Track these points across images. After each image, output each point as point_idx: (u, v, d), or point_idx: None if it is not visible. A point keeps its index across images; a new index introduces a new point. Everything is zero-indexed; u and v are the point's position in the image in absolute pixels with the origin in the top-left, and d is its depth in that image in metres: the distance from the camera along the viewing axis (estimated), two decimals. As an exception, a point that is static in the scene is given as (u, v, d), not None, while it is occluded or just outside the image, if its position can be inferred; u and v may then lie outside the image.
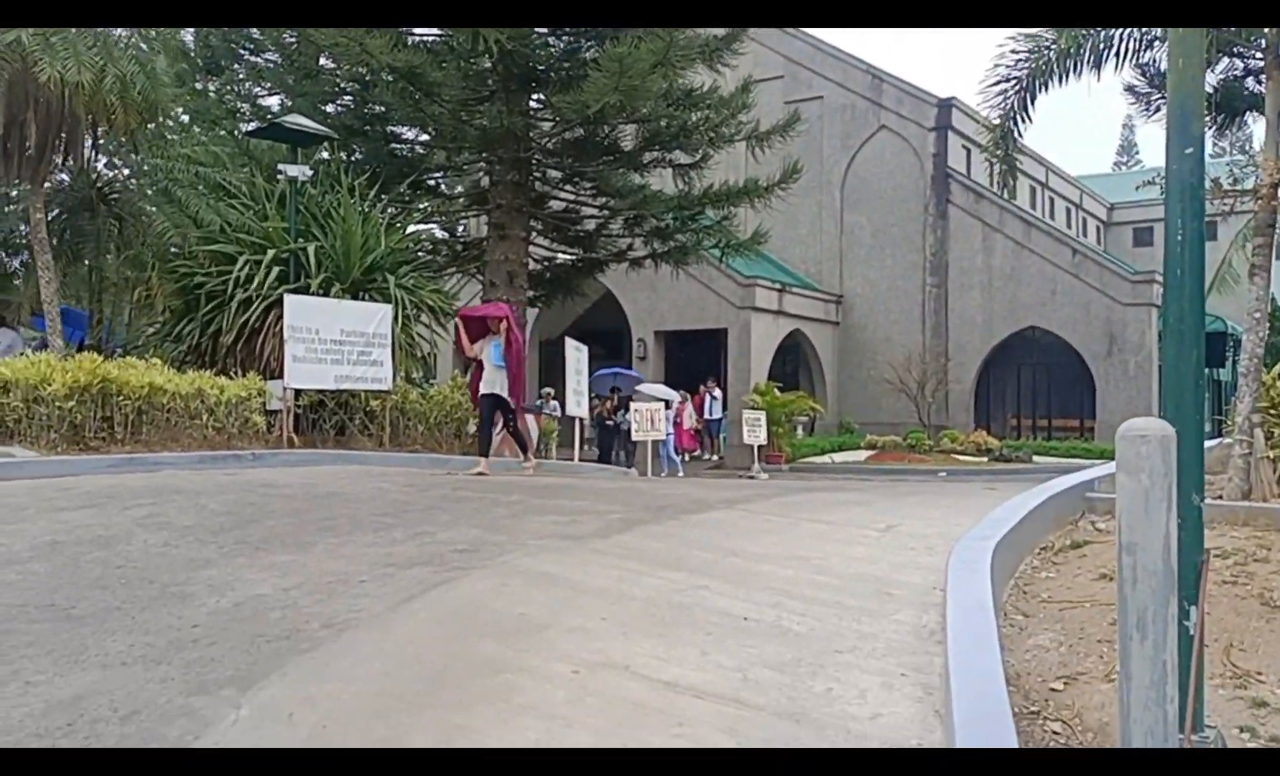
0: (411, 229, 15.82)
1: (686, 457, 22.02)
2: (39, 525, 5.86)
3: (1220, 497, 6.67)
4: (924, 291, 27.55)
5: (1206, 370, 30.24)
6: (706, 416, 24.22)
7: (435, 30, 14.94)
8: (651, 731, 3.03)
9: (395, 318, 12.26)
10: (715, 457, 24.00)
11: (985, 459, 22.40)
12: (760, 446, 20.21)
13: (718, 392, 24.67)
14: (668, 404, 20.65)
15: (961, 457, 22.51)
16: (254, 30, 15.29)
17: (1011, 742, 2.71)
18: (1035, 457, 22.55)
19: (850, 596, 4.58)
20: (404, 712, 3.14)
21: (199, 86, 15.32)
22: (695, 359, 26.53)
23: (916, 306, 27.61)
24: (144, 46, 14.31)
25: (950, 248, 27.29)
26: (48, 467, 8.21)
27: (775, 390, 22.94)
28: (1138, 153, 67.79)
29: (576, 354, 15.10)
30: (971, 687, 3.14)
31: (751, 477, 17.84)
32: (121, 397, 9.70)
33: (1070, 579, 5.03)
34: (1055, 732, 3.39)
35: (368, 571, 4.96)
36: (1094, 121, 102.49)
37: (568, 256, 18.89)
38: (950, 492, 9.82)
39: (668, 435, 19.90)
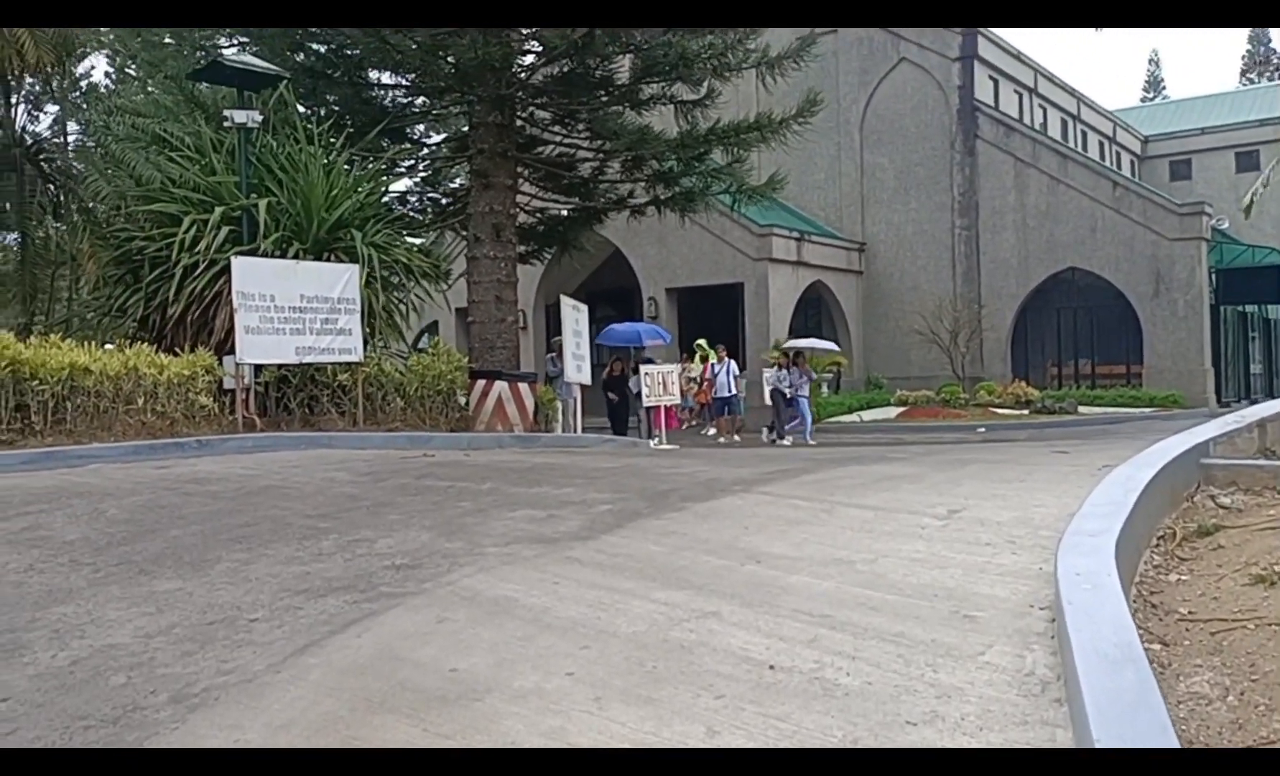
0: (391, 182, 14.30)
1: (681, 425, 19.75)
2: None
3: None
4: (953, 234, 25.89)
5: (1256, 307, 28.31)
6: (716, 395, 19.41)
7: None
8: None
9: (366, 279, 10.86)
10: (714, 433, 19.07)
11: (1026, 411, 20.93)
12: (783, 407, 18.75)
13: (729, 360, 19.42)
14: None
15: (1000, 411, 21.05)
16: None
17: None
18: (1080, 408, 21.05)
19: (916, 623, 3.29)
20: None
21: (147, 33, 13.72)
22: (710, 316, 25.11)
23: (945, 251, 25.98)
24: None
25: (980, 186, 25.59)
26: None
27: (796, 346, 21.51)
28: (1164, 88, 65.16)
29: (575, 313, 13.63)
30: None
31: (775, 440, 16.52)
32: (38, 382, 8.44)
33: (1212, 583, 3.68)
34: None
35: (267, 603, 3.83)
36: (1119, 55, 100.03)
37: (562, 206, 17.32)
38: (1012, 459, 8.37)
39: (800, 395, 17.10)
